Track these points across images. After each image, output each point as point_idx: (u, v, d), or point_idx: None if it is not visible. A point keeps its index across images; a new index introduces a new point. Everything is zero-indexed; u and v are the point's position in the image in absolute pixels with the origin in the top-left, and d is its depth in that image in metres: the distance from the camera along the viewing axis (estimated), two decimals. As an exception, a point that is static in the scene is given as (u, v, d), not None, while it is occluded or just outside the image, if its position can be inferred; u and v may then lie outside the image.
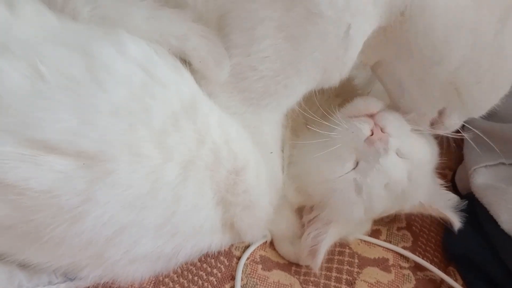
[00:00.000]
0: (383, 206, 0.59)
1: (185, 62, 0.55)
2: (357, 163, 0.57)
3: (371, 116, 0.58)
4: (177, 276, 0.58)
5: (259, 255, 0.63)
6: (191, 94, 0.53)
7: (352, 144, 0.57)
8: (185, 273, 0.58)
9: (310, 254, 0.59)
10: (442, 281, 0.62)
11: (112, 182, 0.47)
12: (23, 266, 0.50)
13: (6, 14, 0.51)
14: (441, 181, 0.66)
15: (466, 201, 0.64)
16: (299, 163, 0.61)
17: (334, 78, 0.55)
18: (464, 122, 0.70)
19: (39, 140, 0.45)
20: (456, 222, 0.61)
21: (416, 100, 0.57)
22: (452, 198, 0.64)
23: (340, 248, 0.65)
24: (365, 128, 0.57)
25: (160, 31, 0.53)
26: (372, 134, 0.56)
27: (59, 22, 0.52)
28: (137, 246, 0.50)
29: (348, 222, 0.61)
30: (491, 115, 0.75)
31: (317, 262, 0.58)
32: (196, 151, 0.51)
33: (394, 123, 0.58)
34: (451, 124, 0.60)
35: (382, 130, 0.57)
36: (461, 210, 0.62)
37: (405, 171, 0.58)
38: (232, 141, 0.54)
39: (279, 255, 0.64)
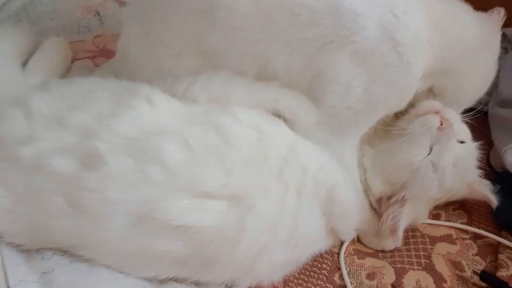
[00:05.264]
0: (450, 183, 0.76)
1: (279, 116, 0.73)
2: (431, 149, 0.76)
3: (436, 112, 0.78)
4: (298, 274, 0.74)
5: (352, 248, 0.79)
6: (290, 139, 0.71)
7: (427, 133, 0.76)
8: (303, 271, 0.74)
9: (391, 232, 0.75)
10: (499, 243, 0.78)
11: (255, 212, 0.64)
12: (197, 284, 0.67)
13: (149, 109, 0.68)
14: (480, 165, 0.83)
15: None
16: (383, 160, 0.79)
17: (405, 102, 0.76)
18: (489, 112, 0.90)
19: (203, 192, 0.62)
20: (494, 201, 0.78)
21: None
22: (487, 184, 0.81)
23: (412, 233, 0.81)
24: (436, 120, 0.77)
25: (257, 100, 0.72)
26: (441, 124, 0.76)
27: (185, 107, 0.70)
28: (275, 257, 0.67)
29: (421, 200, 0.78)
30: (509, 103, 0.92)
31: (399, 237, 0.74)
32: (303, 179, 0.69)
33: (453, 116, 0.79)
34: None
35: None
36: (501, 184, 0.79)
37: (466, 152, 0.78)
38: (324, 167, 0.72)
39: (366, 246, 0.81)
